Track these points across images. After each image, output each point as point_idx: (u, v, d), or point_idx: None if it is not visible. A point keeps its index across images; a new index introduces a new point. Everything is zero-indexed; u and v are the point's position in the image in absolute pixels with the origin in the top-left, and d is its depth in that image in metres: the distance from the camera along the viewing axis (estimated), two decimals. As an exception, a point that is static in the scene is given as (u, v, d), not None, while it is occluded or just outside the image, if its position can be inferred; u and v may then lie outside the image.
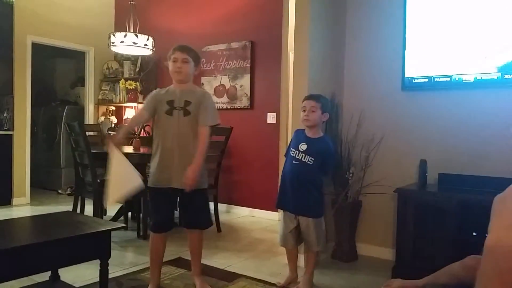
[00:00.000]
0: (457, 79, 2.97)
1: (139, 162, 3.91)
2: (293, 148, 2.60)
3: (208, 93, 2.63)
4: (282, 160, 4.72)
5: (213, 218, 4.07)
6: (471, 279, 1.82)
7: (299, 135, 2.65)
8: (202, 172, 2.48)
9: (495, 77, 2.82)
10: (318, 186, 2.60)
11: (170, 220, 2.53)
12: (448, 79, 3.00)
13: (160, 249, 2.53)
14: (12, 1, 5.21)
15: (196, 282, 2.61)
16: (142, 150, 3.92)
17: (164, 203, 2.48)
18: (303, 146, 2.55)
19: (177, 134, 2.42)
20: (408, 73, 3.15)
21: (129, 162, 2.37)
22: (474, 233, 2.55)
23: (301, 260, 2.80)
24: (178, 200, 2.56)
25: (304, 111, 2.57)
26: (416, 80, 3.13)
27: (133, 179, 2.33)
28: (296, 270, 2.73)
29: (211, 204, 4.09)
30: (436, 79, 3.05)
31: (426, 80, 3.09)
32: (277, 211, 4.67)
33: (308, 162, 2.52)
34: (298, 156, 2.55)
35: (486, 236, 2.15)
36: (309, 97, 2.63)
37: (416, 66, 3.13)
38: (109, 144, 2.35)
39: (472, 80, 2.90)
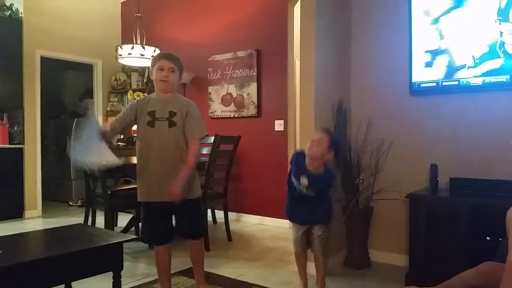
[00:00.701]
0: (465, 82, 2.95)
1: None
2: (294, 178, 2.50)
3: (193, 103, 2.48)
4: (291, 167, 4.74)
5: (224, 227, 4.08)
6: (486, 286, 1.79)
7: (300, 163, 2.51)
8: (192, 182, 2.44)
9: (504, 80, 2.80)
10: (327, 198, 2.60)
11: (166, 232, 2.46)
12: (456, 82, 2.99)
13: (165, 260, 2.50)
14: (21, 17, 5.29)
15: None
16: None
17: (157, 217, 2.41)
18: (304, 181, 2.43)
19: (160, 146, 2.35)
20: (416, 78, 3.15)
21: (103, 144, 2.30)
22: (488, 238, 2.52)
23: (310, 267, 2.78)
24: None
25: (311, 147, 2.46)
26: (424, 85, 3.12)
27: (108, 156, 2.30)
28: (305, 274, 2.69)
29: (221, 213, 4.14)
30: (444, 83, 3.04)
31: (434, 84, 3.08)
32: (287, 219, 4.66)
33: (311, 195, 2.46)
34: (300, 188, 2.47)
35: (500, 241, 2.13)
36: (321, 129, 2.54)
37: (424, 70, 3.12)
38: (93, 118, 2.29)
39: (480, 83, 2.89)
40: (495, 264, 1.83)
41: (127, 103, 6.17)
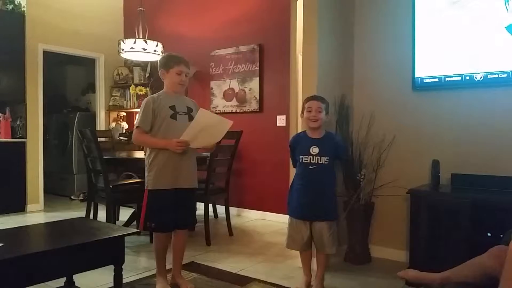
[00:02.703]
0: (467, 78, 2.94)
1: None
2: (303, 155, 2.58)
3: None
4: (292, 162, 4.73)
5: (225, 222, 4.09)
6: (497, 267, 1.79)
7: (302, 140, 2.63)
8: (195, 172, 2.66)
9: (505, 75, 2.79)
10: (333, 187, 2.64)
11: (174, 219, 2.58)
12: (459, 78, 2.97)
13: (167, 245, 2.63)
14: (23, 11, 5.29)
15: (181, 283, 2.67)
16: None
17: (169, 204, 2.53)
18: (315, 149, 2.55)
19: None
20: (418, 73, 3.14)
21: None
22: (489, 234, 2.52)
23: (313, 263, 2.78)
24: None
25: (310, 111, 2.58)
26: (426, 80, 3.11)
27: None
28: (310, 272, 2.71)
29: (222, 208, 4.15)
30: (446, 79, 3.03)
31: (436, 79, 3.07)
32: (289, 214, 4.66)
33: (325, 163, 2.54)
34: (313, 160, 2.54)
35: (501, 237, 2.12)
36: (315, 98, 2.65)
37: (426, 66, 3.11)
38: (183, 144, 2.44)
39: (482, 79, 2.88)
40: (505, 248, 1.83)
41: (129, 98, 6.18)
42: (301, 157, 2.59)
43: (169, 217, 2.55)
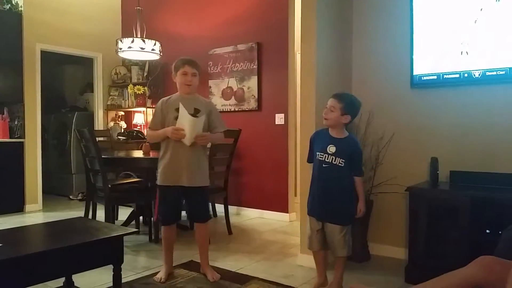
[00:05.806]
0: (466, 75, 2.94)
1: (150, 166, 3.95)
2: (319, 152, 2.49)
3: (213, 102, 2.89)
4: (291, 160, 4.74)
5: (224, 220, 4.09)
6: (490, 279, 1.68)
7: (323, 136, 2.53)
8: (204, 172, 2.81)
9: (503, 73, 2.79)
10: (349, 191, 2.50)
11: (177, 213, 2.85)
12: (457, 75, 2.97)
13: (172, 236, 2.85)
14: (21, 11, 5.28)
15: (207, 272, 2.81)
16: (151, 154, 3.94)
17: (172, 199, 2.76)
18: (331, 148, 2.44)
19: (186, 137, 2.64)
20: (417, 71, 3.13)
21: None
22: (487, 231, 2.52)
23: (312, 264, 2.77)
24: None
25: (326, 108, 2.49)
26: (425, 78, 3.11)
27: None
28: (323, 273, 2.64)
29: (221, 206, 4.15)
30: (445, 76, 3.03)
31: (435, 77, 3.07)
32: (287, 213, 4.67)
33: (340, 164, 2.43)
34: (328, 159, 2.45)
35: (499, 233, 2.11)
36: (333, 96, 2.51)
37: (425, 63, 3.10)
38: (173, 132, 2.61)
39: (481, 76, 2.88)
40: (494, 258, 1.74)
41: (128, 97, 6.18)
42: (317, 153, 2.50)
43: (171, 211, 2.78)
